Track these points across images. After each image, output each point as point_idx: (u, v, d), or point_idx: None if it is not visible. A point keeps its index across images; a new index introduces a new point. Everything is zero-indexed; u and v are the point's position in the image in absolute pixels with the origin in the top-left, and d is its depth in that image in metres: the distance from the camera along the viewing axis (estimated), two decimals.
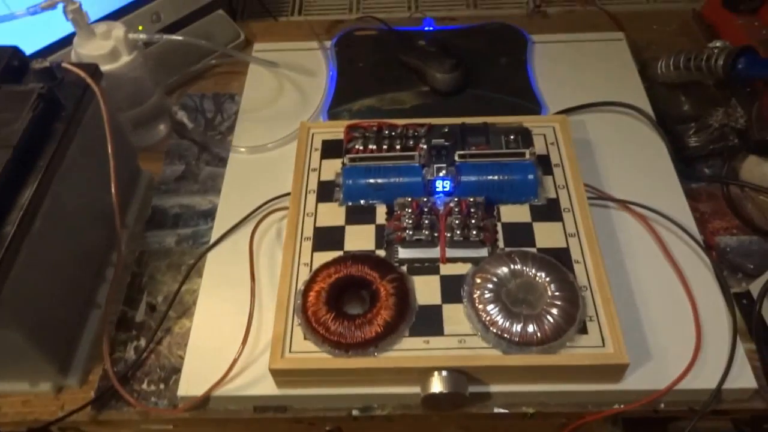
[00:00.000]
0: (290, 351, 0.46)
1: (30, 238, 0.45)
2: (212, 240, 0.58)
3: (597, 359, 0.45)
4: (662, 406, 0.48)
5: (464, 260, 0.51)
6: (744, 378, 0.47)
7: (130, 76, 0.64)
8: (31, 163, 0.47)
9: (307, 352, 0.46)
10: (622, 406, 0.48)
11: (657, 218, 0.57)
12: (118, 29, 0.62)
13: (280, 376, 0.46)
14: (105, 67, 0.59)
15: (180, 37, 0.66)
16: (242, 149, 0.66)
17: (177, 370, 0.52)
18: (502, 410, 0.48)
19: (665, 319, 0.51)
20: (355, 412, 0.49)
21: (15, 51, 0.55)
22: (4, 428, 0.51)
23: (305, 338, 0.47)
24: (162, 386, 0.51)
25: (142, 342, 0.54)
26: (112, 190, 0.53)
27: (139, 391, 0.51)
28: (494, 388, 0.47)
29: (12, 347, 0.46)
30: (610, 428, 0.52)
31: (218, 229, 0.59)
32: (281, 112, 0.71)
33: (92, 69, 0.55)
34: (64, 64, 0.54)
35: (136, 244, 0.61)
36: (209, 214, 0.63)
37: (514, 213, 0.54)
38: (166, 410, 0.50)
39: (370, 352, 0.45)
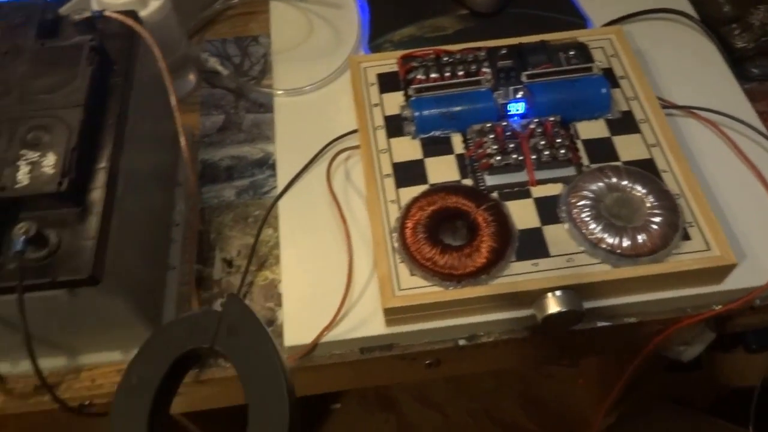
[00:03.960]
0: (399, 289, 0.46)
1: (117, 202, 0.42)
2: (279, 188, 0.56)
3: (706, 262, 0.45)
4: (758, 302, 0.50)
5: (553, 181, 0.50)
6: None
7: (160, 23, 0.59)
8: (101, 122, 0.44)
9: (417, 287, 0.46)
10: (720, 307, 0.49)
11: (724, 121, 0.57)
12: None
13: (392, 314, 0.46)
14: None
15: None
16: (284, 93, 0.63)
17: (271, 322, 0.51)
18: (605, 323, 0.49)
19: (750, 218, 0.51)
20: (461, 342, 0.49)
21: (46, 3, 0.50)
22: (100, 400, 0.50)
23: (412, 274, 0.46)
24: None
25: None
26: (182, 141, 0.50)
27: None
28: (600, 303, 0.47)
29: (113, 315, 0.44)
30: (702, 328, 0.53)
31: (282, 176, 0.57)
32: (316, 50, 0.67)
33: (134, 16, 0.51)
34: (106, 13, 0.50)
35: (194, 201, 0.59)
36: (264, 163, 0.61)
37: (591, 129, 0.53)
38: None
39: (482, 280, 0.45)
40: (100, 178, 0.41)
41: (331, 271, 0.50)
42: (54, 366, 0.50)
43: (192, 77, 0.68)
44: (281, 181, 0.56)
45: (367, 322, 0.48)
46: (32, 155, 0.40)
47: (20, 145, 0.40)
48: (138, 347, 0.49)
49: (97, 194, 0.41)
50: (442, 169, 0.51)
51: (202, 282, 0.54)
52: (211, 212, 0.58)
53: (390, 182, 0.51)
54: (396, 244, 0.47)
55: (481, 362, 0.55)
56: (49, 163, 0.39)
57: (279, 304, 0.52)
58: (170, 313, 0.51)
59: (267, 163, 0.61)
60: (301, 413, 0.23)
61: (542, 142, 0.51)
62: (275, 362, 0.21)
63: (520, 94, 0.53)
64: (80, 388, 0.49)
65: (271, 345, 0.24)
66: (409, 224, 0.47)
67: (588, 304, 0.47)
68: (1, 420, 0.52)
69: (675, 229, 0.46)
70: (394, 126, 0.55)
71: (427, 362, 0.52)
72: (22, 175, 0.39)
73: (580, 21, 0.66)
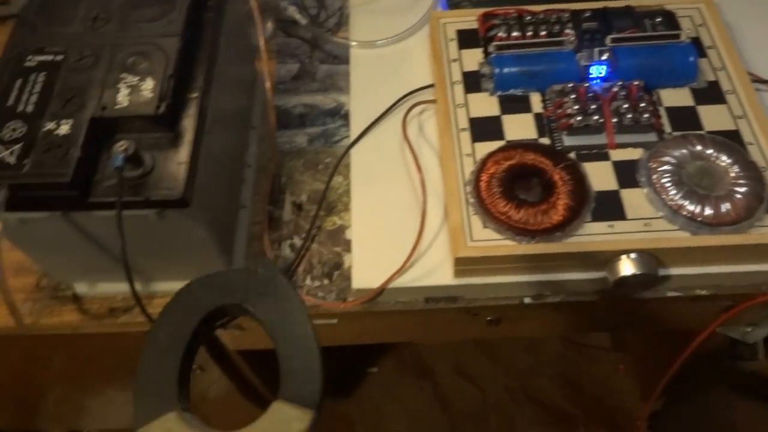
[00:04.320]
0: (472, 240, 0.46)
1: (205, 135, 0.43)
2: (352, 137, 0.57)
3: None
4: None
5: (633, 145, 0.49)
6: None
7: None
8: (194, 54, 0.45)
9: (489, 240, 0.46)
10: None
11: None
12: None
13: (462, 264, 0.46)
14: None
15: None
16: (359, 44, 0.63)
17: (338, 266, 0.52)
18: (675, 293, 0.49)
19: None
20: (526, 300, 0.49)
21: None
22: None
23: (485, 227, 0.46)
24: (326, 281, 0.51)
25: (296, 240, 0.54)
26: (266, 84, 0.51)
27: (303, 287, 0.51)
28: (673, 271, 0.47)
29: (192, 242, 0.45)
30: None
31: (356, 125, 0.57)
32: (393, 5, 0.67)
33: None
34: None
35: (267, 145, 0.60)
36: (336, 113, 0.62)
37: (675, 97, 0.52)
38: (337, 303, 0.50)
39: (557, 237, 0.45)
40: (192, 108, 0.42)
41: (401, 219, 0.50)
42: (127, 291, 0.52)
43: (270, 25, 0.68)
44: (354, 130, 0.57)
45: (434, 272, 0.48)
46: (132, 79, 0.41)
47: (120, 69, 0.41)
48: None
49: (188, 122, 0.42)
50: (519, 127, 0.51)
51: (271, 223, 0.55)
52: (283, 157, 0.59)
53: (466, 136, 0.51)
54: (470, 197, 0.48)
55: (543, 324, 0.55)
56: (148, 87, 0.41)
57: (346, 249, 0.53)
58: (241, 248, 0.53)
59: (339, 113, 0.61)
60: (326, 369, 0.23)
61: (625, 106, 0.50)
62: (305, 324, 0.21)
63: (605, 56, 0.52)
64: (152, 314, 0.51)
65: (300, 306, 0.24)
66: (485, 177, 0.47)
67: (660, 272, 0.46)
68: (61, 339, 0.54)
69: (760, 201, 0.45)
70: (472, 82, 0.55)
71: (488, 318, 0.53)
72: (122, 97, 0.40)
73: None
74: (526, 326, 0.55)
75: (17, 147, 0.38)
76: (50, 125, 0.39)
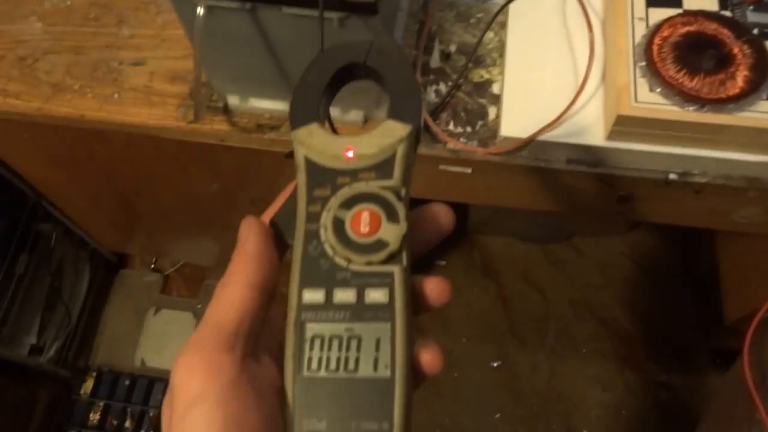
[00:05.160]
0: (636, 101, 0.45)
1: None
2: None
3: None
4: None
5: None
6: None
7: None
8: None
9: (655, 103, 0.45)
10: None
11: None
12: None
13: (622, 124, 0.45)
14: None
15: None
16: None
17: (482, 116, 0.52)
18: None
19: None
20: (672, 176, 0.49)
21: None
22: None
23: (651, 90, 0.45)
24: (469, 129, 0.52)
25: (441, 86, 0.54)
26: None
27: (446, 131, 0.52)
28: None
29: None
30: None
31: None
32: None
33: None
34: None
35: None
36: None
37: None
38: (480, 149, 0.50)
39: (728, 109, 0.44)
40: None
41: (554, 76, 0.50)
42: (275, 109, 0.53)
43: None
44: None
45: (585, 131, 0.48)
46: None
47: None
48: (358, 110, 0.52)
49: None
50: None
51: (420, 67, 0.55)
52: (435, 6, 0.58)
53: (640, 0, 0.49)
54: (638, 60, 0.46)
55: (671, 210, 0.54)
56: None
57: (492, 102, 0.52)
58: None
59: None
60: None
61: None
62: (409, 69, 0.28)
63: None
64: None
65: (406, 59, 0.31)
66: (658, 41, 0.46)
67: None
68: (203, 149, 0.56)
69: None
70: None
71: (620, 194, 0.53)
72: None
73: None
74: (655, 210, 0.55)
75: None
76: None
